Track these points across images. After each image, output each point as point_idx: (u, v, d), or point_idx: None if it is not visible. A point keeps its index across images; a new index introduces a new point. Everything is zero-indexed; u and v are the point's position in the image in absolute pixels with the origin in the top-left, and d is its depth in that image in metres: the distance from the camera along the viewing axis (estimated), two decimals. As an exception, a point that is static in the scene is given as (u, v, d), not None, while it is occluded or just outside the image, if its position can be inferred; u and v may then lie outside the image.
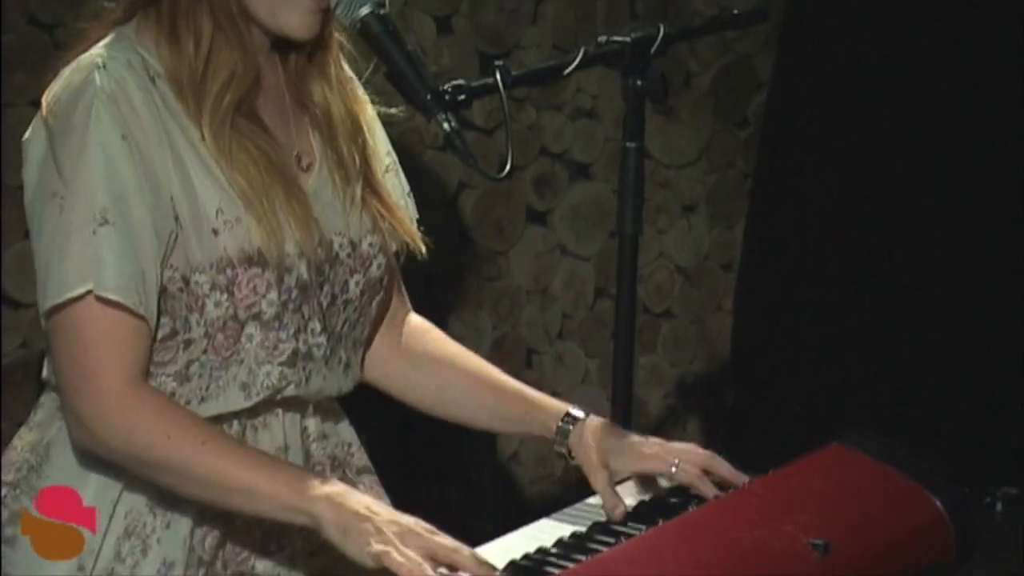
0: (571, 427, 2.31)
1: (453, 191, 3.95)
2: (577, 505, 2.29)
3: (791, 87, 4.32)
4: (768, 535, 2.05)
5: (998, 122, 3.96)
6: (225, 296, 2.14)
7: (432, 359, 2.42)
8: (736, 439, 4.42)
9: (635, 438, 2.31)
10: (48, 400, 2.24)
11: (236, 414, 2.20)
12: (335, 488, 2.05)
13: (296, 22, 2.17)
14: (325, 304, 2.23)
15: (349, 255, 2.25)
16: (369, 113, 2.34)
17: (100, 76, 2.11)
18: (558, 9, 4.05)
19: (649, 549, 2.02)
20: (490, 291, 4.07)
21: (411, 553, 1.95)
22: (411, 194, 2.41)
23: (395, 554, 1.94)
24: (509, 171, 2.23)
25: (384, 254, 2.29)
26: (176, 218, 2.12)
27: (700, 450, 2.29)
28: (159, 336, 2.14)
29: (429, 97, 2.17)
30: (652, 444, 2.30)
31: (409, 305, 2.47)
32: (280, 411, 2.23)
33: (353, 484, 2.33)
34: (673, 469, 2.26)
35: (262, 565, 2.24)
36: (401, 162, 2.41)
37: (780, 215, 4.36)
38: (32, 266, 2.13)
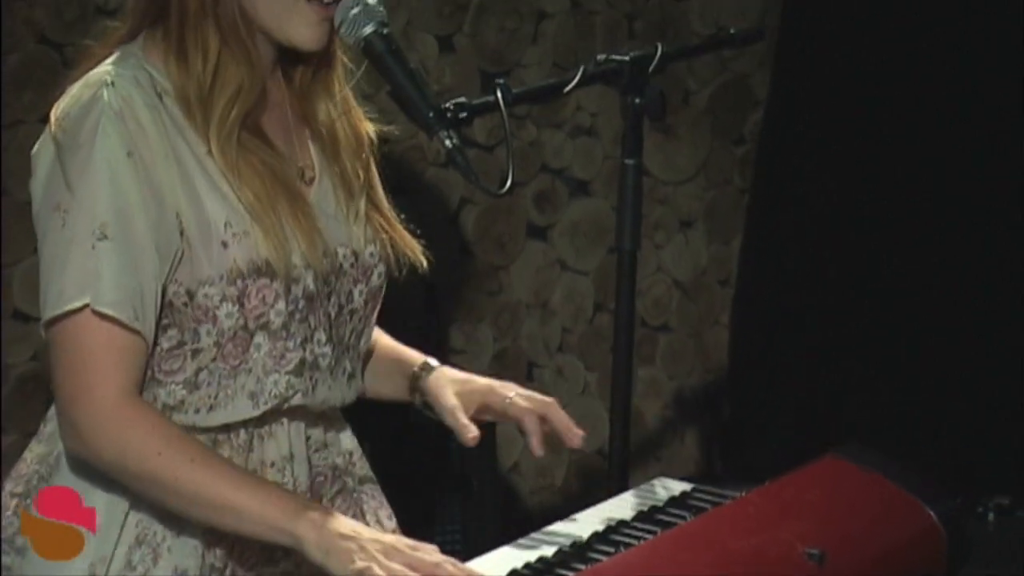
0: (426, 373, 2.40)
1: (455, 207, 3.96)
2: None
3: (787, 105, 4.33)
4: (765, 545, 2.06)
5: (995, 128, 3.96)
6: (236, 307, 2.16)
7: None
8: (733, 450, 4.44)
9: (485, 379, 2.41)
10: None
11: (244, 423, 2.21)
12: (319, 511, 2.07)
13: (304, 32, 2.18)
14: (333, 314, 2.25)
15: (352, 265, 2.28)
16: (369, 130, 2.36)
17: (108, 93, 2.12)
18: (558, 29, 4.07)
19: (647, 558, 2.03)
20: (491, 305, 4.08)
21: (395, 566, 1.97)
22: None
23: (377, 569, 1.96)
24: (510, 187, 2.24)
25: (384, 263, 2.32)
26: (182, 233, 2.13)
27: (543, 397, 2.36)
28: (167, 346, 2.16)
29: (431, 115, 2.19)
30: (501, 384, 2.39)
31: None
32: (286, 420, 2.25)
33: (355, 493, 2.36)
34: (507, 401, 2.34)
35: (271, 572, 2.26)
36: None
37: (776, 231, 4.38)
38: (42, 280, 2.14)
